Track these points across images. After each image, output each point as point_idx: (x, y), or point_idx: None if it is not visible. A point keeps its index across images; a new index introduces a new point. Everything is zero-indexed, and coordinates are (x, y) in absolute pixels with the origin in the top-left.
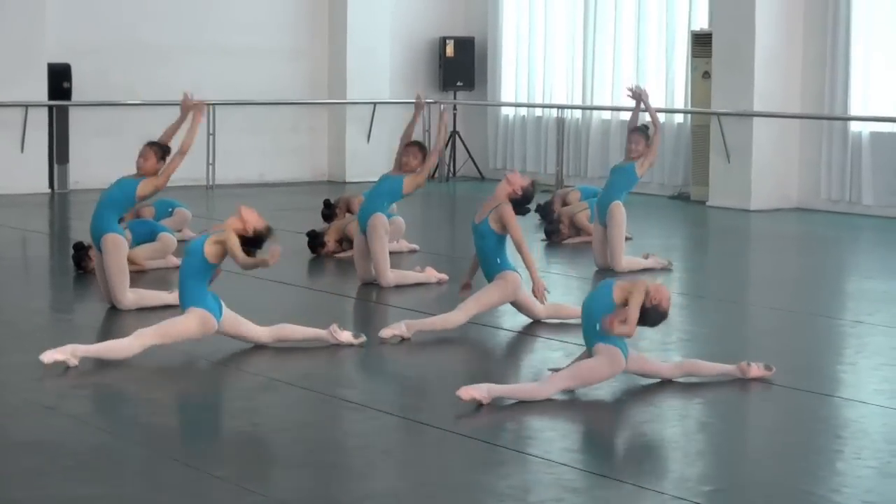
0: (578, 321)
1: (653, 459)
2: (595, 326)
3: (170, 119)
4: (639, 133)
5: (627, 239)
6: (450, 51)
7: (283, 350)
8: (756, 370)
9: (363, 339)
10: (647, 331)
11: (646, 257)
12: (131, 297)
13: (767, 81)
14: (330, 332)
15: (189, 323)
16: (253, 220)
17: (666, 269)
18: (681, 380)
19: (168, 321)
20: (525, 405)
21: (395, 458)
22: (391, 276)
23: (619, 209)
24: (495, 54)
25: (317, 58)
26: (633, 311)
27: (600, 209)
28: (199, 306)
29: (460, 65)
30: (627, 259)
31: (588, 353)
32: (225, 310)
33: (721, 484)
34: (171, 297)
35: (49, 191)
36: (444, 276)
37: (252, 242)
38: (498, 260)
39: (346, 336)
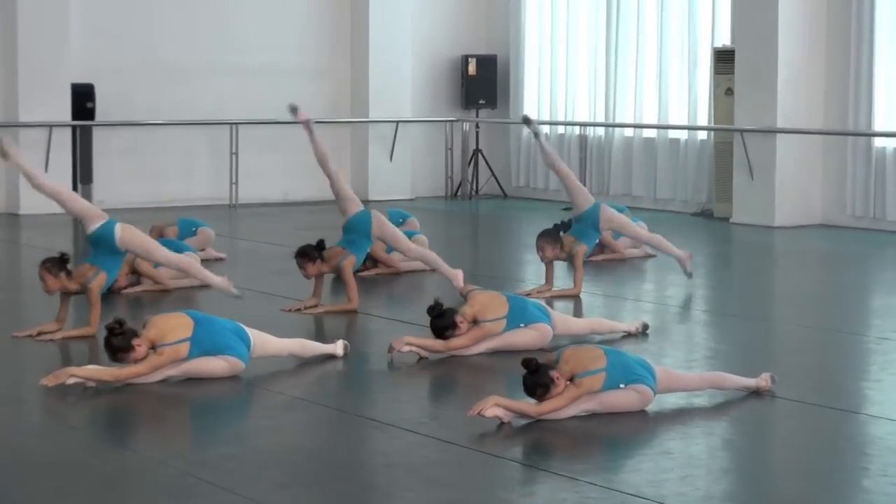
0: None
1: (677, 477)
2: (619, 385)
3: (193, 137)
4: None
5: (650, 256)
6: (472, 69)
7: (306, 369)
8: (764, 381)
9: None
10: (670, 348)
11: (637, 247)
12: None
13: (790, 98)
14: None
15: (218, 366)
16: None
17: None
18: (706, 397)
19: (198, 361)
20: (547, 423)
21: (419, 476)
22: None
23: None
24: (518, 72)
25: (339, 77)
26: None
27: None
28: (230, 354)
29: (483, 83)
30: (626, 243)
31: None
32: (251, 339)
33: (745, 501)
34: (188, 280)
35: None
36: None
37: None
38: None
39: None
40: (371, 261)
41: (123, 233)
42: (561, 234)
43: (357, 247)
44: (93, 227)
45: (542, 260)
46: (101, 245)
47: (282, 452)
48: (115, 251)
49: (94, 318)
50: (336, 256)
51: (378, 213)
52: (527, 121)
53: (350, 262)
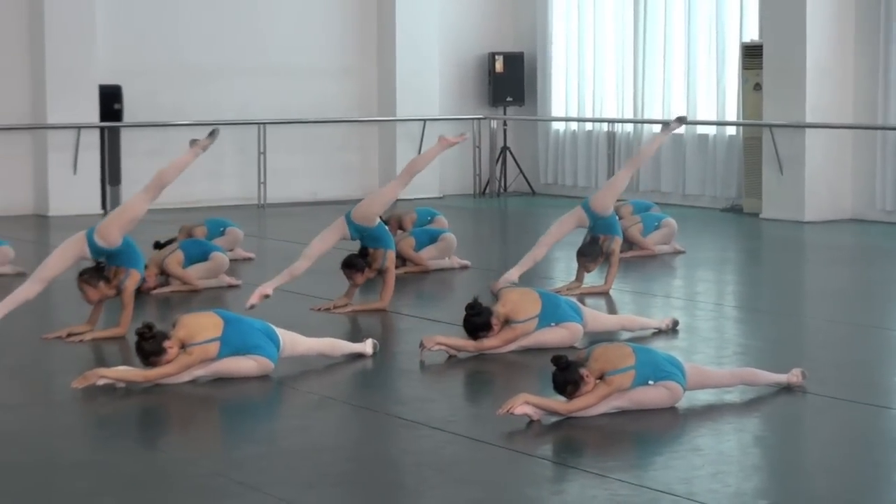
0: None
1: (708, 474)
2: (648, 382)
3: (221, 137)
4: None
5: (679, 252)
6: (499, 66)
7: (335, 368)
8: (795, 377)
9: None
10: (701, 345)
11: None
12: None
13: (819, 92)
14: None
15: (248, 366)
16: None
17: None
18: (737, 394)
19: (227, 360)
20: (577, 420)
21: (448, 475)
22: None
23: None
24: (545, 69)
25: (366, 76)
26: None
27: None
28: (259, 354)
29: (510, 80)
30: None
31: None
32: (281, 339)
33: (777, 498)
34: (216, 280)
35: (102, 212)
36: (235, 281)
37: None
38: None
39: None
40: (399, 259)
41: (100, 232)
42: (598, 240)
43: (389, 240)
44: (85, 253)
45: (586, 272)
46: (105, 253)
47: (311, 452)
48: (122, 249)
49: (126, 319)
50: (378, 258)
51: None
52: (682, 120)
53: (392, 259)
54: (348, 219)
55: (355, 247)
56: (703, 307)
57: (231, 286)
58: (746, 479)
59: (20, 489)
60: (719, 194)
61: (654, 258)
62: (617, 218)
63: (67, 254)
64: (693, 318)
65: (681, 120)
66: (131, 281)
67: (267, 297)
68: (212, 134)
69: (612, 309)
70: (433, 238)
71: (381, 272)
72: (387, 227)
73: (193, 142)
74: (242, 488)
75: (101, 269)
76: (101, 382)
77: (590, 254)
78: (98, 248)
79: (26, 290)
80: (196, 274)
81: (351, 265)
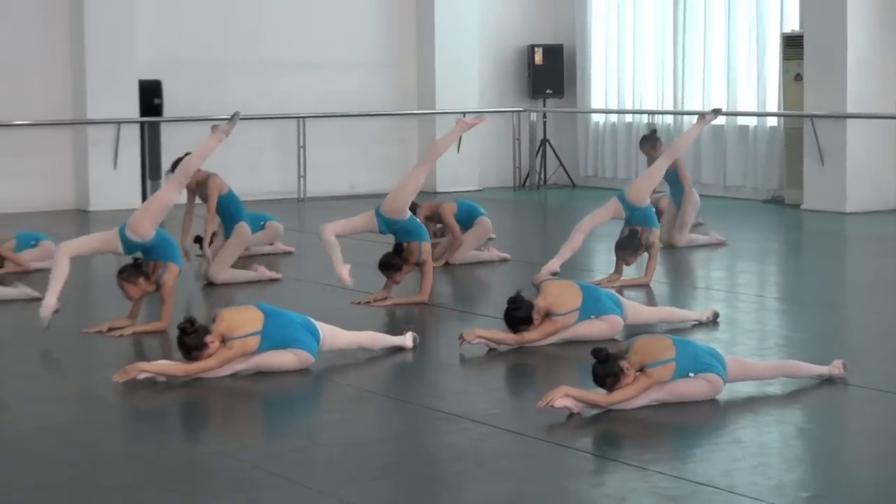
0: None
1: (749, 466)
2: (688, 374)
3: (260, 132)
4: (647, 144)
5: (698, 224)
6: (539, 58)
7: (375, 361)
8: (837, 368)
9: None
10: (743, 336)
11: (706, 234)
12: (225, 274)
13: (860, 82)
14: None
15: (288, 359)
16: None
17: (721, 245)
18: (778, 386)
19: (268, 354)
20: (617, 412)
21: (488, 468)
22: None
23: (692, 195)
24: (584, 61)
25: (405, 69)
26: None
27: (675, 197)
28: (299, 347)
29: (549, 72)
30: (688, 236)
31: None
32: (321, 332)
33: (819, 490)
34: (256, 273)
35: None
36: (275, 275)
37: None
38: None
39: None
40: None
41: (132, 227)
42: (637, 233)
43: (422, 232)
44: (117, 248)
45: (625, 265)
46: (139, 248)
47: (350, 445)
48: (156, 243)
49: (167, 314)
50: (414, 252)
51: None
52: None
53: (429, 251)
54: (378, 213)
55: (389, 242)
56: (744, 299)
57: (272, 280)
58: (788, 472)
59: (62, 482)
60: (760, 185)
61: (698, 248)
62: (654, 209)
63: (94, 244)
64: (734, 310)
65: (716, 112)
66: (170, 275)
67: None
68: (232, 118)
69: (652, 301)
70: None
71: (419, 265)
72: (418, 220)
73: (214, 127)
74: (282, 481)
75: (139, 265)
76: (141, 376)
77: (629, 247)
78: (132, 243)
79: (62, 269)
80: (254, 240)
81: (388, 266)
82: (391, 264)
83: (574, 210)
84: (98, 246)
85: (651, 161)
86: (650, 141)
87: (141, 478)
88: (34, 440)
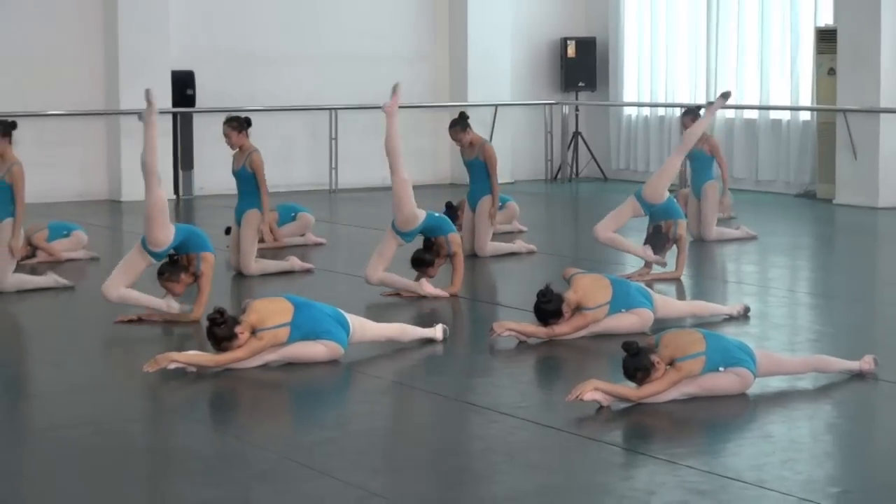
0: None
1: (779, 461)
2: (718, 368)
3: (292, 123)
4: (688, 117)
5: (729, 218)
6: (571, 51)
7: (405, 352)
8: (868, 364)
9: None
10: (774, 331)
11: (737, 228)
12: (256, 266)
13: (894, 76)
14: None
15: (317, 350)
16: None
17: (753, 239)
18: (809, 380)
19: (298, 345)
20: (647, 406)
21: (517, 460)
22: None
23: (712, 187)
24: (617, 54)
25: (438, 61)
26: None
27: (695, 188)
28: (329, 339)
29: (582, 65)
30: (717, 230)
31: None
32: (351, 324)
33: (848, 485)
34: (288, 264)
35: (174, 197)
36: (307, 266)
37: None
38: None
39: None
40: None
41: (150, 241)
42: (661, 228)
43: (448, 223)
44: (149, 261)
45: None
46: (168, 251)
47: (380, 436)
48: (182, 240)
49: (202, 303)
50: (443, 245)
51: None
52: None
53: (458, 242)
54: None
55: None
56: (775, 293)
57: (304, 271)
58: (818, 467)
59: (92, 471)
60: (793, 180)
61: (728, 242)
62: (675, 201)
63: (131, 270)
64: (765, 305)
65: (725, 96)
66: (206, 264)
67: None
68: (148, 101)
69: (682, 295)
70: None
71: (450, 257)
72: (437, 214)
73: (140, 116)
74: (310, 472)
75: (176, 262)
76: (172, 366)
77: (656, 243)
78: (158, 253)
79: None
80: (286, 232)
81: (420, 262)
82: (423, 260)
83: (605, 203)
84: (135, 270)
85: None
86: (692, 114)
87: (170, 468)
88: (64, 429)
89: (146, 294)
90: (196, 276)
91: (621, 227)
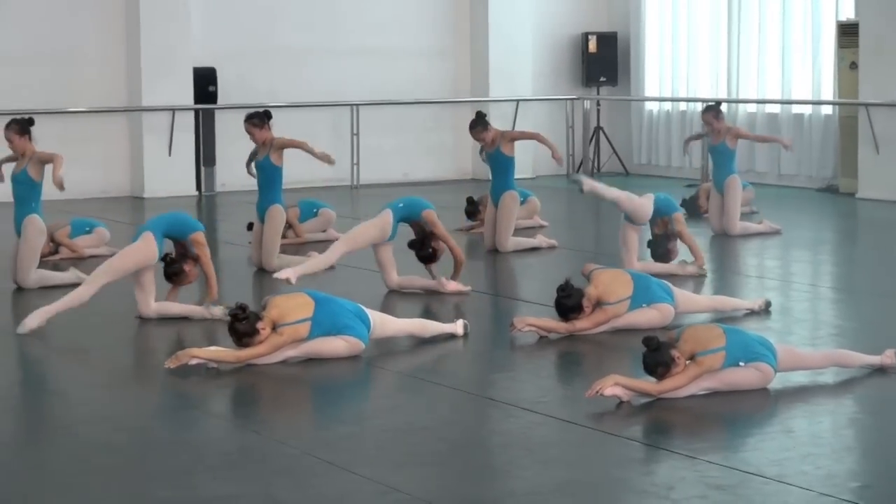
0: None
1: (799, 456)
2: (739, 363)
3: (314, 119)
4: (709, 113)
5: (752, 213)
6: (592, 46)
7: (425, 348)
8: (889, 358)
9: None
10: (796, 325)
11: (760, 222)
12: (278, 262)
13: None
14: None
15: (338, 346)
16: None
17: (776, 233)
18: (830, 375)
19: (318, 341)
20: (667, 401)
21: (537, 455)
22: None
23: (734, 181)
24: (638, 49)
25: (459, 56)
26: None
27: (717, 182)
28: (349, 334)
29: (603, 60)
30: (741, 224)
31: None
32: (371, 319)
33: (869, 480)
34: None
35: (196, 193)
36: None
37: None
38: None
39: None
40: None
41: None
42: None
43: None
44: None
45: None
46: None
47: (401, 432)
48: (165, 231)
49: (212, 285)
50: (427, 232)
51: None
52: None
53: (432, 218)
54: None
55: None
56: (797, 288)
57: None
58: (838, 462)
59: (113, 467)
60: (815, 174)
61: (752, 237)
62: (666, 198)
63: (147, 281)
64: (787, 299)
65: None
66: (199, 246)
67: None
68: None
69: (704, 290)
70: None
71: (435, 235)
72: (398, 202)
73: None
74: (332, 468)
75: (173, 261)
76: (193, 362)
77: (657, 248)
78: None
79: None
80: (307, 228)
81: (426, 258)
82: (427, 256)
83: None
84: (148, 282)
85: (711, 131)
86: (713, 111)
87: (191, 464)
88: (86, 425)
89: (184, 304)
90: (196, 260)
91: (639, 246)
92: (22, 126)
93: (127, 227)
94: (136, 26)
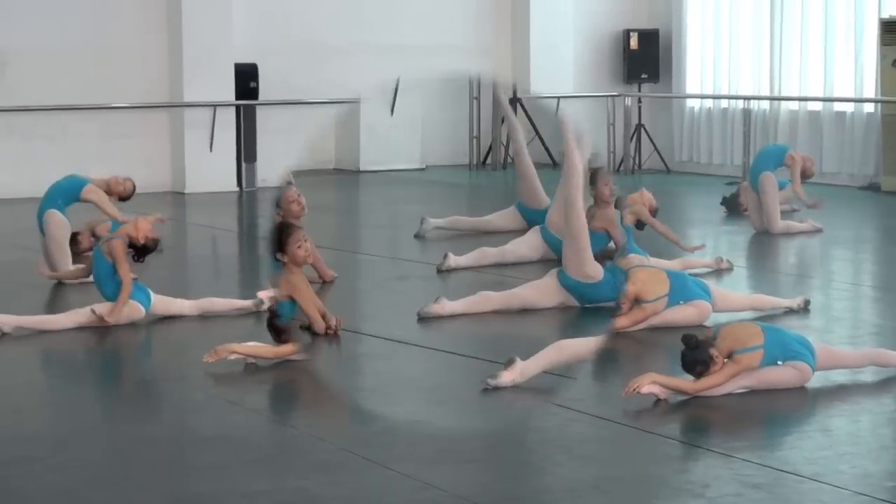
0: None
1: (835, 455)
2: (777, 362)
3: (344, 115)
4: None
5: (793, 211)
6: (634, 43)
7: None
8: None
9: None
10: (835, 325)
11: (802, 221)
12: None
13: None
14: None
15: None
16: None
17: (817, 232)
18: (869, 374)
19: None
20: (704, 399)
21: (573, 452)
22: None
23: (768, 178)
24: (680, 46)
25: (501, 53)
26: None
27: (752, 180)
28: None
29: (644, 57)
30: (784, 223)
31: None
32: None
33: None
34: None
35: (237, 189)
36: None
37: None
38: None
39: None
40: None
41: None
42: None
43: None
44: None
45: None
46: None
47: (436, 429)
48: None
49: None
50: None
51: None
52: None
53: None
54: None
55: None
56: (838, 286)
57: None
58: (874, 461)
59: (152, 462)
60: (857, 172)
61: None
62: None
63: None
64: (828, 298)
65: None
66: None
67: None
68: None
69: (742, 288)
70: None
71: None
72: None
73: None
74: (367, 464)
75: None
76: (231, 357)
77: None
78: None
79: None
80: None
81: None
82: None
83: (668, 195)
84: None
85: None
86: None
87: (228, 458)
88: (125, 421)
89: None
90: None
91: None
92: None
93: (168, 223)
94: (178, 23)
